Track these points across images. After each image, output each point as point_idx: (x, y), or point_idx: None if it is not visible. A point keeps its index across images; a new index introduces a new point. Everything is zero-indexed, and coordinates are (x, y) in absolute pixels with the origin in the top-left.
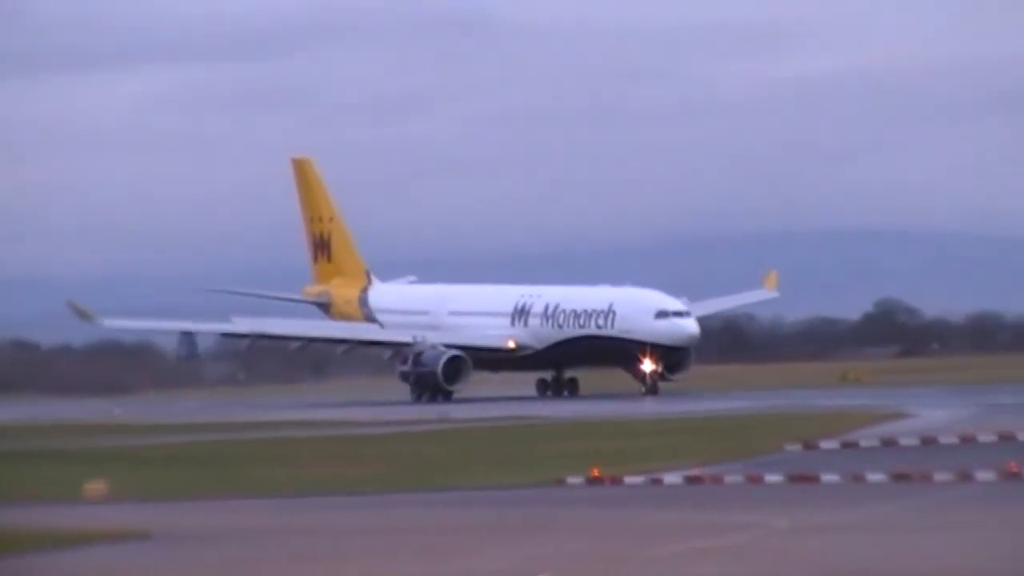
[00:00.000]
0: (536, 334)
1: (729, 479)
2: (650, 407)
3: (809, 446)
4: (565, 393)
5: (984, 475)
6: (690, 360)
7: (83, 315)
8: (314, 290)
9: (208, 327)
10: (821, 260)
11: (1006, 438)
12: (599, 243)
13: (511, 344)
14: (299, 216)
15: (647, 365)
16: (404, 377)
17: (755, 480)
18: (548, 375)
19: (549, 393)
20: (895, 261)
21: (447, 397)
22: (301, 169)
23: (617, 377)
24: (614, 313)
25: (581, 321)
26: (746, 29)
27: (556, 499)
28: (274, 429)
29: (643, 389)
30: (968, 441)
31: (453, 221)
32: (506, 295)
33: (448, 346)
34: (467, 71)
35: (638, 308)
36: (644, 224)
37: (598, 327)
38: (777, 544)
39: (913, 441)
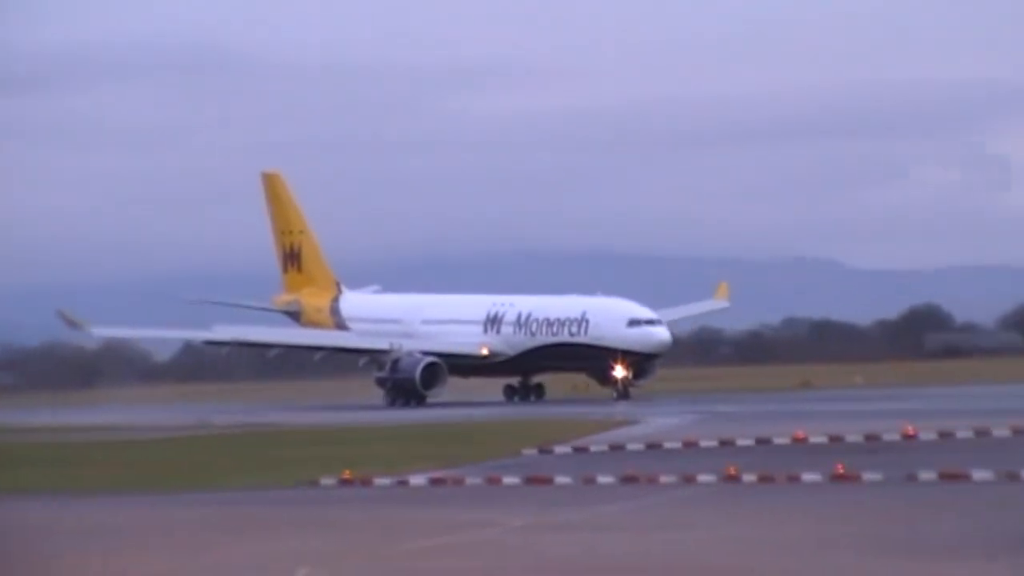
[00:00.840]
0: (508, 341)
1: (470, 481)
2: (400, 415)
3: (544, 450)
4: (532, 398)
5: (705, 477)
6: (656, 367)
7: (72, 323)
8: (284, 299)
9: (191, 335)
10: (540, 279)
11: (726, 443)
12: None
13: (484, 351)
14: (269, 228)
15: (618, 371)
16: (381, 383)
17: (494, 482)
18: (515, 381)
19: (516, 398)
20: (614, 280)
21: (420, 402)
22: (270, 183)
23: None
24: (587, 321)
25: (554, 329)
26: (482, 69)
27: (310, 499)
28: (52, 434)
29: (615, 395)
30: (691, 446)
31: (224, 242)
32: (478, 304)
33: (423, 353)
34: (220, 105)
35: (611, 316)
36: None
37: (571, 335)
38: (512, 541)
39: (640, 446)
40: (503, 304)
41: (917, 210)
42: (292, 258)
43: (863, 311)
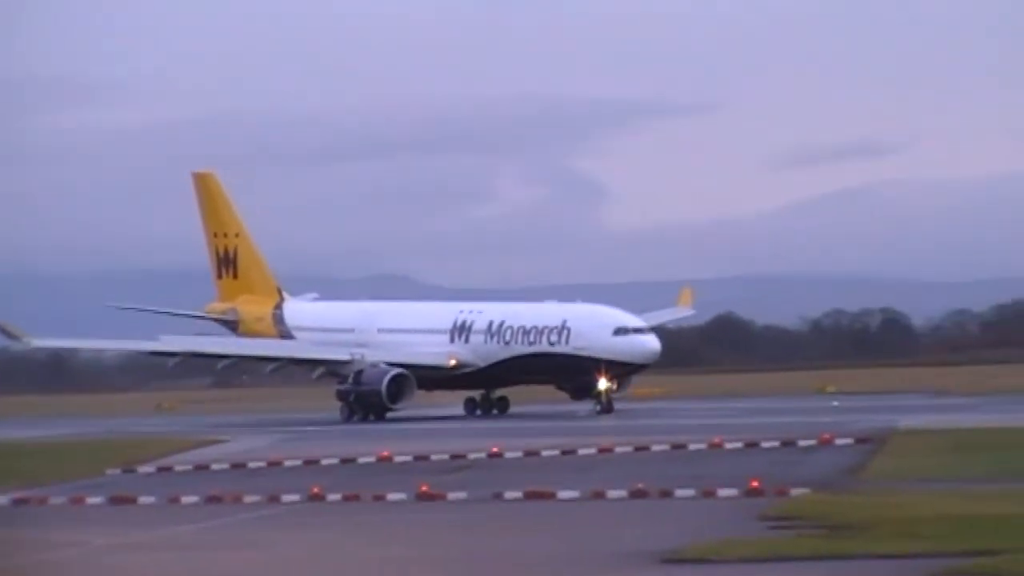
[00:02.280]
0: (478, 351)
1: (54, 500)
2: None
3: (128, 470)
4: (494, 412)
5: (290, 497)
6: (631, 379)
7: (10, 334)
8: (219, 307)
9: (136, 345)
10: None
11: (311, 463)
12: None
13: (452, 362)
14: (201, 231)
15: (602, 383)
16: (343, 396)
17: (77, 502)
18: (477, 394)
19: (478, 412)
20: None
21: (380, 416)
22: (203, 183)
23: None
24: (568, 329)
25: (531, 338)
26: (56, 82)
27: None
28: None
29: (597, 407)
30: (276, 466)
31: None
32: (443, 312)
33: (388, 364)
34: None
35: (595, 324)
36: None
37: (551, 344)
38: (92, 560)
39: (225, 466)
40: (471, 311)
41: (501, 227)
42: (227, 263)
43: None
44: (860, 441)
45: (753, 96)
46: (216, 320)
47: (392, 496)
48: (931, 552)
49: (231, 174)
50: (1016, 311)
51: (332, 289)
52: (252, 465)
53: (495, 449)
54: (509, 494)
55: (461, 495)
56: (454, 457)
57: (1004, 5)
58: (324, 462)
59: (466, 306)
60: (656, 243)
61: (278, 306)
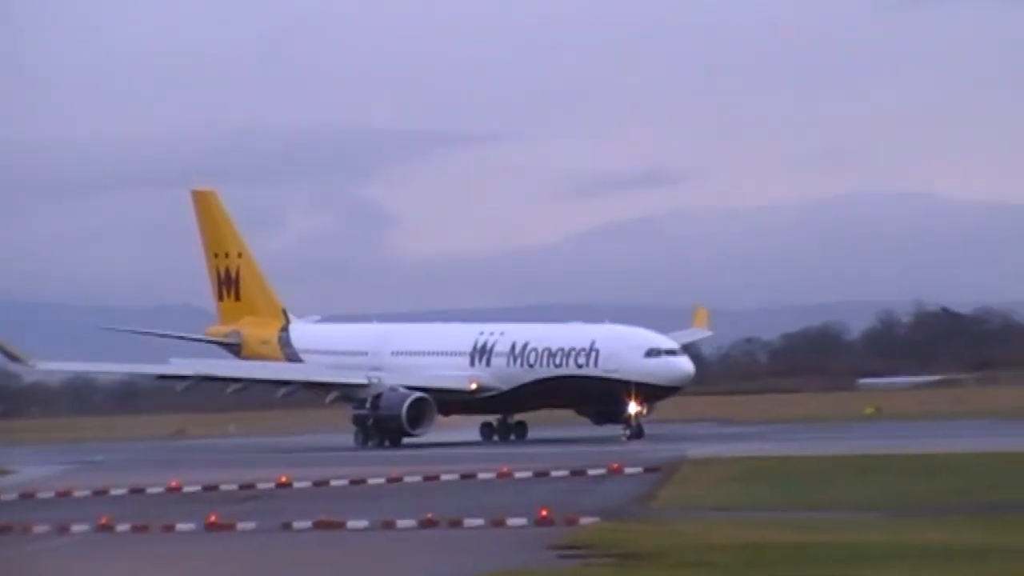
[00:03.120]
0: (500, 374)
1: None
2: None
3: None
4: (512, 437)
5: (79, 527)
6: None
7: (13, 356)
8: (221, 330)
9: (146, 369)
10: None
11: (99, 493)
12: None
13: (473, 385)
14: (201, 252)
15: (632, 407)
16: (360, 421)
17: None
18: (494, 419)
19: (495, 438)
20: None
21: (396, 443)
22: (203, 202)
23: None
24: (597, 351)
25: (557, 360)
26: None
27: None
28: None
29: (627, 433)
30: (65, 496)
31: None
32: (462, 333)
33: (408, 388)
34: None
35: (625, 346)
36: None
37: (578, 366)
38: None
39: (13, 496)
40: (492, 332)
41: (290, 257)
42: (228, 284)
43: None
44: (649, 470)
45: (541, 126)
46: (218, 343)
47: (181, 526)
48: None
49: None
50: (804, 339)
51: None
52: (41, 495)
53: (283, 479)
54: (298, 524)
55: (250, 525)
56: (243, 487)
57: (790, 43)
58: (114, 492)
59: (487, 327)
60: (445, 273)
61: (284, 328)
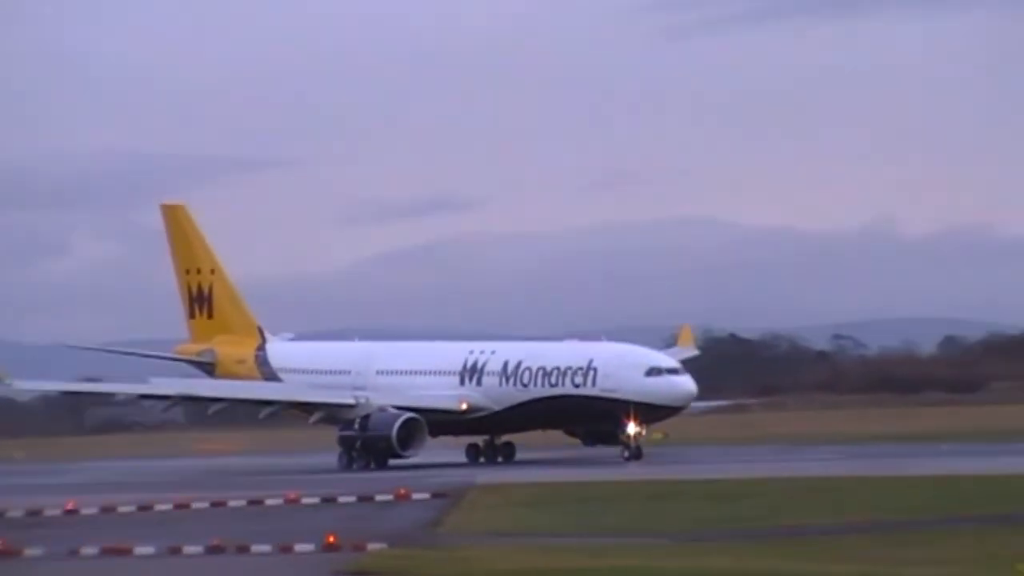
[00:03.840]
0: (492, 394)
1: None
2: None
3: None
4: (499, 459)
5: None
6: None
7: None
8: (192, 348)
9: (125, 388)
10: None
11: None
12: None
13: (463, 405)
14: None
15: (631, 427)
16: (347, 442)
17: None
18: (480, 440)
19: (482, 459)
20: None
21: (382, 464)
22: (173, 216)
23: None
24: (595, 370)
25: (553, 379)
26: None
27: None
28: None
29: (625, 453)
30: None
31: None
32: (450, 351)
33: (397, 408)
34: None
35: (625, 364)
36: None
37: (575, 386)
38: None
39: None
40: (483, 351)
41: (76, 282)
42: (201, 301)
43: None
44: (437, 496)
45: (331, 151)
46: (189, 362)
47: None
48: None
49: None
50: None
51: None
52: None
53: (70, 505)
54: (86, 550)
55: (37, 551)
56: (30, 513)
57: (577, 68)
58: None
59: (477, 345)
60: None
61: (261, 347)
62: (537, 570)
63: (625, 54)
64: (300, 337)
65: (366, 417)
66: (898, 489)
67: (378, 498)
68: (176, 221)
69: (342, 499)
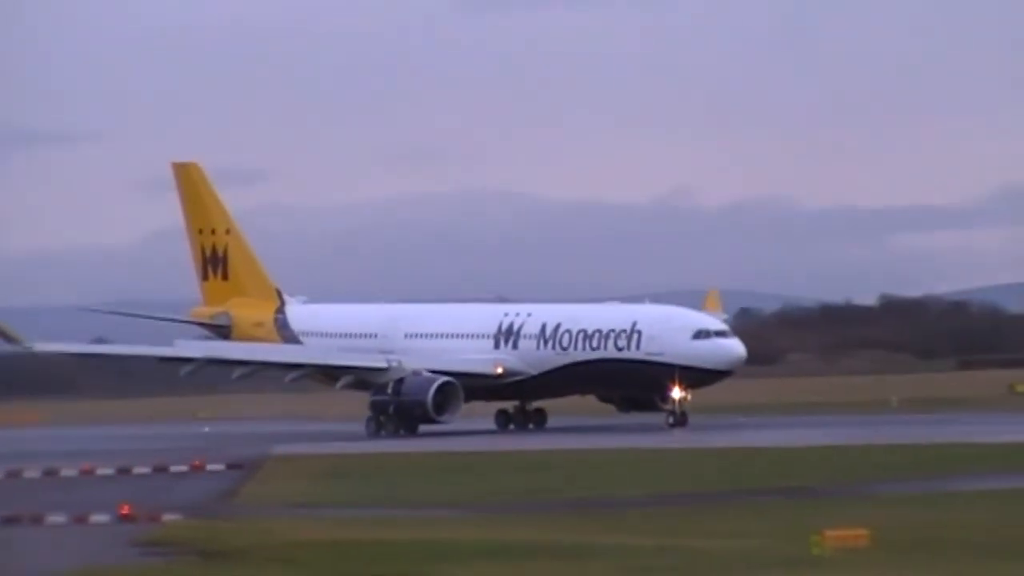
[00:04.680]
0: (528, 358)
1: None
2: None
3: None
4: (530, 426)
5: None
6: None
7: (10, 338)
8: (207, 311)
9: (150, 351)
10: None
11: None
12: None
13: (499, 369)
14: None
15: (676, 392)
16: (380, 407)
17: None
18: (510, 406)
19: (511, 426)
20: None
21: (413, 431)
22: (186, 175)
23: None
24: (639, 332)
25: (594, 342)
26: None
27: None
28: None
29: (670, 419)
30: None
31: None
32: (484, 314)
33: (432, 372)
34: None
35: (671, 327)
36: None
37: (618, 349)
38: None
39: None
40: (518, 313)
41: None
42: (215, 263)
43: None
44: (232, 467)
45: (120, 124)
46: (204, 325)
47: None
48: None
49: None
50: None
51: None
52: None
53: None
54: None
55: None
56: None
57: (379, 41)
58: None
59: (512, 307)
60: (42, 267)
61: (280, 310)
62: (335, 542)
63: (427, 28)
64: None
65: (399, 381)
66: (695, 461)
67: (173, 469)
68: (189, 180)
69: (137, 470)
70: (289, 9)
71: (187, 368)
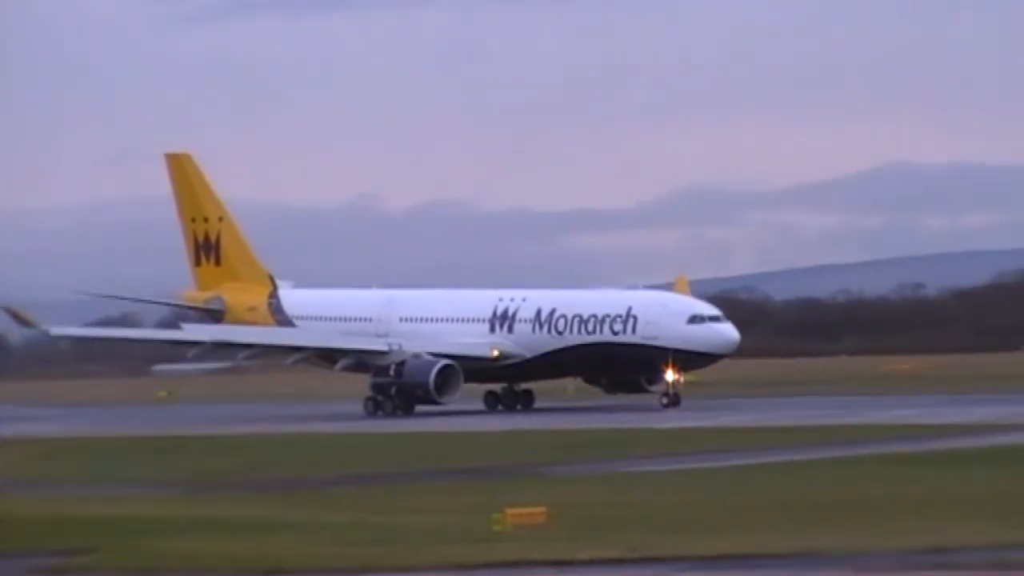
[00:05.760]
0: (523, 341)
1: None
2: None
3: None
4: (518, 407)
5: None
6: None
7: (24, 321)
8: (199, 295)
9: (158, 334)
10: None
11: None
12: None
13: (495, 353)
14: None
15: (670, 374)
16: (380, 389)
17: None
18: (499, 387)
19: (500, 407)
20: None
21: (409, 411)
22: (178, 165)
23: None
24: (635, 317)
25: (590, 327)
26: None
27: None
28: None
29: (664, 400)
30: None
31: None
32: (479, 299)
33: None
34: None
35: (666, 312)
36: None
37: (614, 333)
38: None
39: None
40: (513, 299)
41: None
42: (208, 249)
43: None
44: None
45: None
46: (196, 309)
47: None
48: (26, 552)
49: None
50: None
51: None
52: None
53: None
54: None
55: None
56: None
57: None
58: None
59: (506, 293)
60: None
61: (273, 294)
62: (57, 516)
63: (135, 40)
64: None
65: (401, 363)
66: (388, 445)
67: None
68: (181, 170)
69: None
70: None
71: (194, 350)
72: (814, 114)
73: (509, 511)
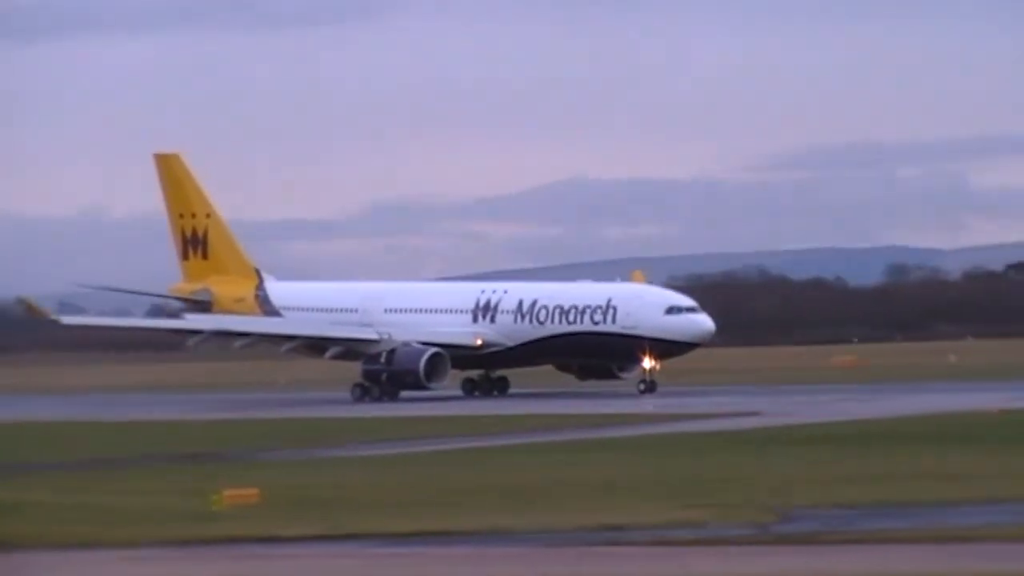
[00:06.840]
0: (506, 331)
1: None
2: None
3: None
4: (494, 393)
5: None
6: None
7: (36, 312)
8: (187, 287)
9: (161, 323)
10: None
11: None
12: None
13: (478, 341)
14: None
15: (647, 362)
16: (371, 376)
17: None
18: (475, 374)
19: (476, 393)
20: None
21: (393, 397)
22: (167, 165)
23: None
24: (615, 308)
25: (570, 317)
26: None
27: None
28: None
29: (641, 386)
30: None
31: None
32: (462, 291)
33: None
34: None
35: (644, 303)
36: None
37: (594, 323)
38: None
39: None
40: (495, 291)
41: None
42: (195, 244)
43: None
44: None
45: None
46: (184, 300)
47: None
48: None
49: None
50: None
51: None
52: None
53: None
54: None
55: None
56: None
57: None
58: None
59: (488, 285)
60: None
61: (259, 286)
62: None
63: None
64: None
65: (391, 352)
66: (110, 432)
67: None
68: (170, 170)
69: None
70: None
71: (196, 339)
72: (503, 132)
73: (226, 493)
